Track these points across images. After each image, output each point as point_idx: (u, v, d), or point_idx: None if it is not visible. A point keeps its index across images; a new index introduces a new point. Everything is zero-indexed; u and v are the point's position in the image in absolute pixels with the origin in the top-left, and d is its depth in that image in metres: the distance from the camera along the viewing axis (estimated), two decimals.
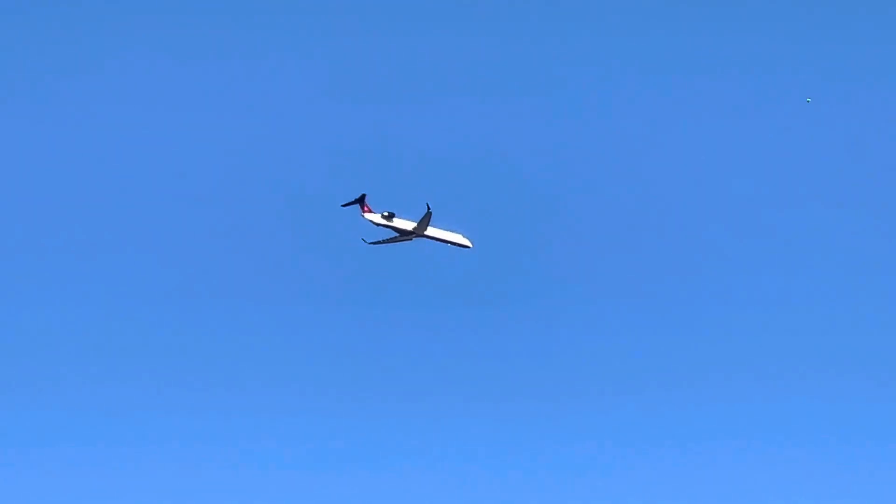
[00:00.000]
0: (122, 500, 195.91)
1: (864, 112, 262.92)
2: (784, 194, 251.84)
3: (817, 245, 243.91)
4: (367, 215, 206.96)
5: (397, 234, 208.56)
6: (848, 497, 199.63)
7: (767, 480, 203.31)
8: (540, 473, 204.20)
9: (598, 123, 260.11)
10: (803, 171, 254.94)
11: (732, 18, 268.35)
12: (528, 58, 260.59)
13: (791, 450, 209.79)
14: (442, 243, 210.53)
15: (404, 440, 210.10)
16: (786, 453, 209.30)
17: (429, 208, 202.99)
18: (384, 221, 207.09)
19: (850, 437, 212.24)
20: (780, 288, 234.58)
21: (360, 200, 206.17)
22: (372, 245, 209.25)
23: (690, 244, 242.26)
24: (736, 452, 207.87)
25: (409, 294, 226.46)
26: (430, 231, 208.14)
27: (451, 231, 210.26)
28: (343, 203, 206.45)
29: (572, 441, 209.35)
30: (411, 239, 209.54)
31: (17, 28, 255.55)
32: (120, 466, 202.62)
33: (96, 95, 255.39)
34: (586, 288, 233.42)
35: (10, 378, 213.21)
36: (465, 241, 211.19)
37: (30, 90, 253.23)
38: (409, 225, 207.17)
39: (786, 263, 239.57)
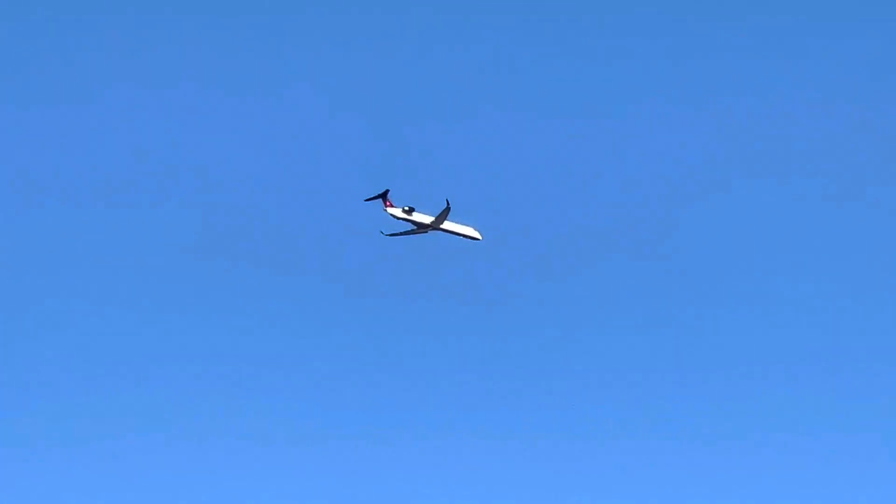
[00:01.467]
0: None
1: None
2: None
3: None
4: (389, 209, 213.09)
5: (415, 227, 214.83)
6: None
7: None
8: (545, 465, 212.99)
9: (606, 122, 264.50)
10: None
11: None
12: (542, 59, 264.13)
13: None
14: (455, 236, 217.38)
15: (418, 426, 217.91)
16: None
17: (448, 204, 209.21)
18: (404, 215, 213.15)
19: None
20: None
21: (383, 195, 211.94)
22: (390, 237, 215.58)
23: (695, 241, 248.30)
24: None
25: (424, 282, 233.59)
26: (445, 224, 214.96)
27: (464, 224, 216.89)
28: (366, 198, 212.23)
29: (577, 432, 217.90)
30: (427, 232, 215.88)
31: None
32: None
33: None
34: (590, 280, 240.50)
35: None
36: (476, 234, 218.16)
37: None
38: (427, 219, 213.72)
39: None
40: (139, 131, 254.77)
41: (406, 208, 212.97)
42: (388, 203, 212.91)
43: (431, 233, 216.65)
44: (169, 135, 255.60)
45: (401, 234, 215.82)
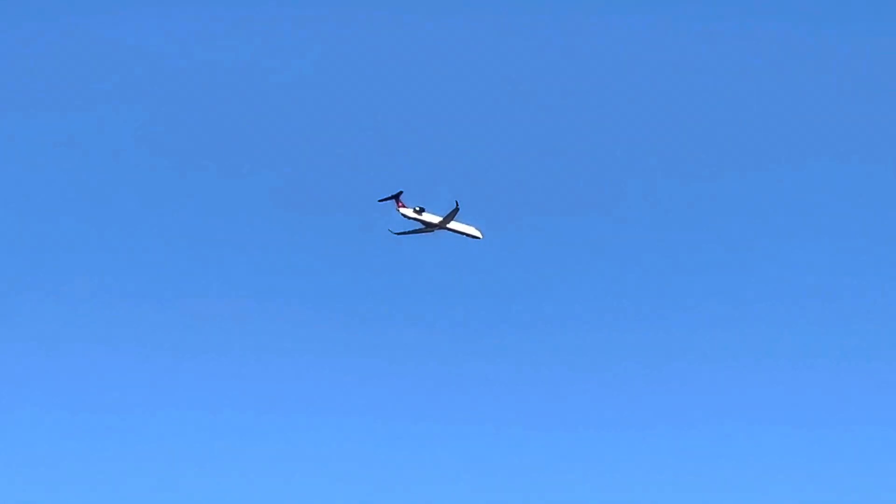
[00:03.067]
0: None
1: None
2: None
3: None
4: (402, 209, 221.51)
5: (423, 226, 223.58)
6: None
7: None
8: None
9: (610, 120, 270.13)
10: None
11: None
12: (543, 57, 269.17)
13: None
14: (458, 234, 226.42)
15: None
16: None
17: (457, 205, 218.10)
18: (415, 215, 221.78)
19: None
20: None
21: (396, 196, 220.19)
22: (398, 235, 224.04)
23: (697, 237, 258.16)
24: None
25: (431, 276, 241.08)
26: (450, 224, 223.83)
27: (466, 224, 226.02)
28: (380, 198, 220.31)
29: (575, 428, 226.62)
30: (433, 231, 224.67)
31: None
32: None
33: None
34: (588, 279, 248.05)
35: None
36: (477, 233, 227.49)
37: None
38: (436, 219, 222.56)
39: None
40: (143, 131, 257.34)
41: (417, 208, 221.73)
42: (400, 203, 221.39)
43: (437, 231, 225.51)
44: (178, 131, 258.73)
45: (408, 232, 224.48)
